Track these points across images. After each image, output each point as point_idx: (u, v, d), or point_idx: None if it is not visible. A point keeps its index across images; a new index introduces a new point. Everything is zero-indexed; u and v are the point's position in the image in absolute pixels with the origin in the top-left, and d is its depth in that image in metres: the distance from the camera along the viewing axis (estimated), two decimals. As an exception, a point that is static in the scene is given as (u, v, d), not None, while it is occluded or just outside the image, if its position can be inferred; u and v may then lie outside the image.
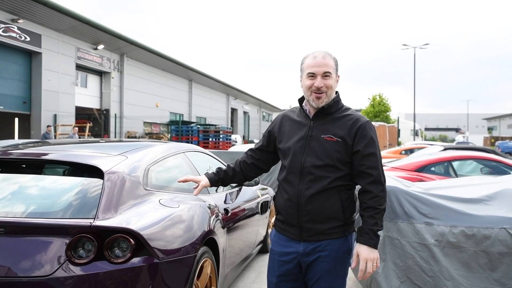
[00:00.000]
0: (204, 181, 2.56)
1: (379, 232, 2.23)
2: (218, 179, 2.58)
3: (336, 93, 2.33)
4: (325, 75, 2.24)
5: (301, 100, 2.40)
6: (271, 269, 2.38)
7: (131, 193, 2.81)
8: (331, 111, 2.29)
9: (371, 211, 2.21)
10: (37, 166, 3.11)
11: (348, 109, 2.35)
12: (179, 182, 2.65)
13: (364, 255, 2.19)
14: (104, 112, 26.29)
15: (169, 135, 27.31)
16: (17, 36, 19.02)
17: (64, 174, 3.12)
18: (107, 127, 25.97)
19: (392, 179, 4.34)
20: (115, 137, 24.66)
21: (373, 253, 2.20)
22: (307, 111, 2.33)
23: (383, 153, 16.62)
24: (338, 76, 2.34)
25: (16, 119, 21.80)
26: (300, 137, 2.29)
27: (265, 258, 5.45)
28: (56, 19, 20.53)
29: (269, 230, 5.67)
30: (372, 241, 2.20)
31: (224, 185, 2.68)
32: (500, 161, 7.56)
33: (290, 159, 2.29)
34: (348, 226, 2.28)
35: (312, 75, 2.25)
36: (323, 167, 2.21)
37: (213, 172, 2.61)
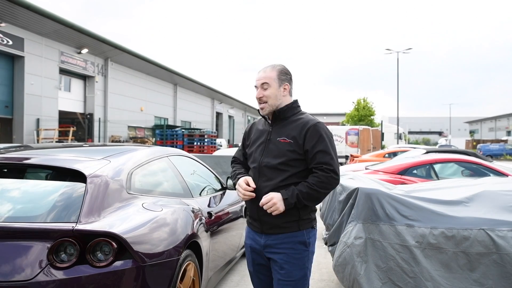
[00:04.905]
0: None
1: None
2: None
3: (294, 101, 2.57)
4: (263, 86, 2.49)
5: None
6: (247, 260, 2.66)
7: (114, 197, 2.81)
8: (286, 116, 2.52)
9: (308, 184, 2.36)
10: (19, 170, 3.08)
11: (303, 113, 2.56)
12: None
13: (272, 195, 2.34)
14: (88, 116, 26.04)
15: (154, 139, 27.15)
16: (-1, 39, 18.78)
17: (46, 178, 3.10)
18: (91, 131, 25.72)
19: (374, 182, 4.39)
20: (99, 142, 24.45)
21: (278, 200, 2.33)
22: (268, 118, 2.57)
23: (366, 156, 16.77)
24: (286, 85, 2.53)
25: (-2, 124, 21.45)
26: (260, 142, 2.55)
27: (250, 261, 5.46)
28: (39, 22, 20.31)
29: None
30: (287, 194, 2.34)
31: None
32: (480, 164, 7.69)
33: (251, 161, 2.58)
34: (303, 221, 2.45)
35: (256, 87, 2.53)
36: (277, 165, 2.42)
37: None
